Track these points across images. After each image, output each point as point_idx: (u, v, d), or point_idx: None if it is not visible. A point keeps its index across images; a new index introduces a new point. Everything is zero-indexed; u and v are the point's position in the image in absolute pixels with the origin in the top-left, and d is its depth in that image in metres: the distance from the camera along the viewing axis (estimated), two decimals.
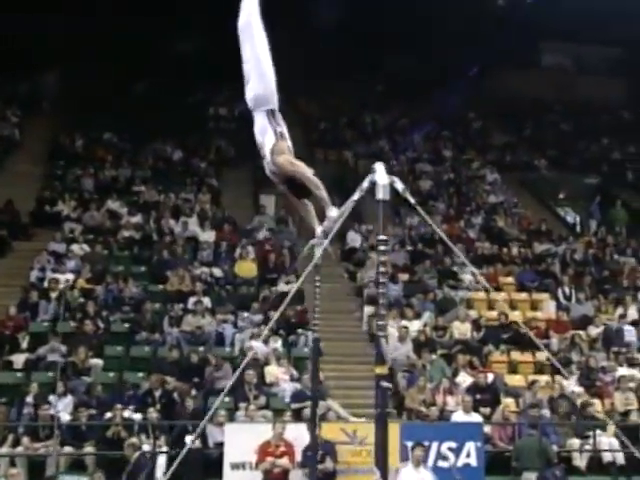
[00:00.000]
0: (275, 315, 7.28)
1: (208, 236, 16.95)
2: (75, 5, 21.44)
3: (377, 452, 4.58)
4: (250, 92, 5.59)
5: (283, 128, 5.53)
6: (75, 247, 15.87)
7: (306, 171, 5.17)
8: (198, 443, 11.14)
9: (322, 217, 5.31)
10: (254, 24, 5.50)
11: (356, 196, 4.91)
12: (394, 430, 11.26)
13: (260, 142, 5.52)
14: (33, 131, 20.77)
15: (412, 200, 4.75)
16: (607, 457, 11.55)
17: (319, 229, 5.50)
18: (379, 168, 4.70)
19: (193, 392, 12.14)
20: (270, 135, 5.41)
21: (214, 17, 21.67)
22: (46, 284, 14.59)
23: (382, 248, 4.72)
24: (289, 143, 5.46)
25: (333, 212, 5.09)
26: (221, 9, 20.90)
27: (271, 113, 5.54)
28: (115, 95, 21.73)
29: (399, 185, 4.70)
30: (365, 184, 4.74)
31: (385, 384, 4.61)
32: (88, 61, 21.78)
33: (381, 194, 4.64)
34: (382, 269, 4.71)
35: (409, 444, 10.89)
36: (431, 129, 22.44)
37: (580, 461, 11.47)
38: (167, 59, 22.81)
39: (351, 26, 21.99)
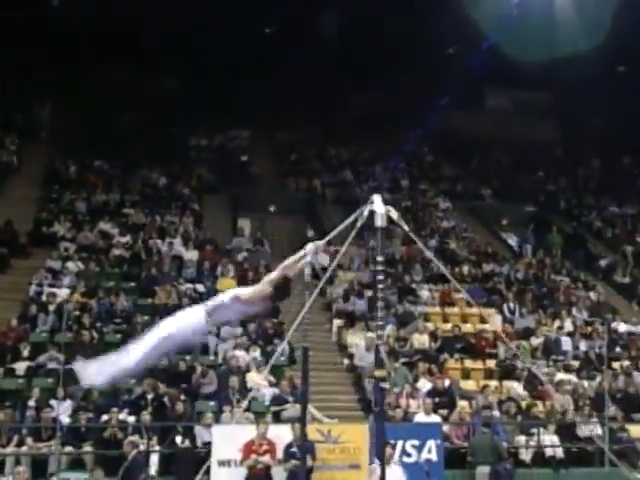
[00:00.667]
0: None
1: (192, 255, 16.92)
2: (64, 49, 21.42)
3: (376, 445, 4.78)
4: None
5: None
6: (70, 264, 15.69)
7: (276, 274, 5.16)
8: (187, 442, 11.27)
9: None
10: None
11: (358, 223, 5.08)
12: (364, 430, 11.47)
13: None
14: (30, 158, 20.60)
15: (406, 227, 4.95)
16: (549, 452, 11.85)
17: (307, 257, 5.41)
18: (377, 199, 4.91)
19: (182, 397, 12.10)
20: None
21: (191, 58, 22.06)
22: (44, 298, 14.43)
23: (380, 268, 4.89)
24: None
25: (309, 246, 5.26)
26: (196, 52, 21.40)
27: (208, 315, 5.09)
28: (105, 127, 21.62)
29: (394, 214, 4.90)
30: (365, 212, 4.93)
31: (384, 385, 4.81)
32: (80, 95, 21.74)
33: (379, 222, 4.85)
34: (380, 286, 4.89)
35: None
36: (397, 162, 22.74)
37: (526, 455, 11.80)
38: (151, 95, 22.81)
39: (318, 64, 22.18)
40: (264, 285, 5.12)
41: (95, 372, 5.03)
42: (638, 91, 23.84)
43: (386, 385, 4.73)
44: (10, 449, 10.59)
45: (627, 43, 20.99)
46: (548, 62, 22.47)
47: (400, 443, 11.01)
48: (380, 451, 4.58)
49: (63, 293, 14.67)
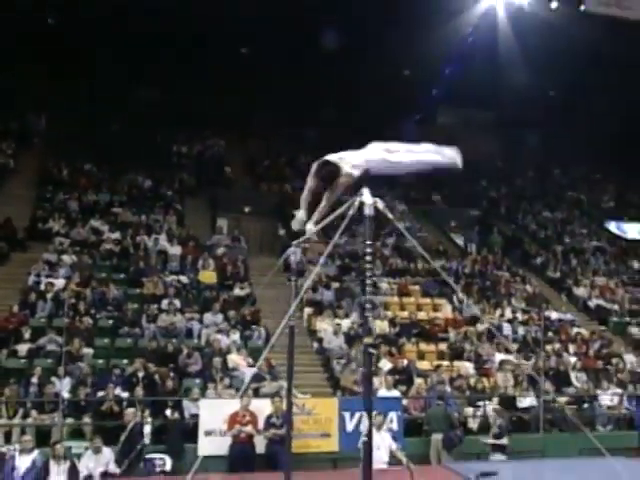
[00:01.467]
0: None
1: (175, 250, 16.98)
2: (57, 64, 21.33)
3: (366, 400, 4.96)
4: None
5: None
6: (65, 257, 15.65)
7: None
8: (177, 415, 11.38)
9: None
10: None
11: (350, 212, 5.25)
12: (333, 403, 11.73)
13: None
14: (26, 161, 20.38)
15: (390, 216, 5.13)
16: (492, 420, 11.87)
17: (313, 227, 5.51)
18: (365, 192, 5.08)
19: (171, 375, 12.21)
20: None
21: (173, 73, 22.10)
22: (42, 287, 14.40)
23: (368, 258, 5.04)
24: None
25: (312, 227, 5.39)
26: (177, 68, 21.46)
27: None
28: (94, 134, 21.53)
29: (380, 204, 5.08)
30: (356, 202, 5.09)
31: (372, 350, 5.01)
32: (71, 106, 21.62)
33: (367, 210, 5.02)
34: (369, 273, 5.03)
35: (346, 414, 11.42)
36: None
37: (473, 424, 12.10)
38: (136, 106, 22.78)
39: (289, 85, 22.42)
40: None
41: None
42: (565, 112, 24.73)
43: (373, 350, 4.92)
44: (16, 420, 10.59)
45: (555, 71, 21.69)
46: (490, 85, 23.10)
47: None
48: (367, 408, 4.75)
49: (59, 283, 14.63)
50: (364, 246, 5.14)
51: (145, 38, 20.41)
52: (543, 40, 19.76)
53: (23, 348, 12.50)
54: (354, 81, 22.77)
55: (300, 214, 5.65)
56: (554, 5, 19.00)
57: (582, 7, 19.15)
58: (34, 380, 11.43)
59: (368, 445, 4.86)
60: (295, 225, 5.71)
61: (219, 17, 19.60)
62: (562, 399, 12.98)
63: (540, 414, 12.10)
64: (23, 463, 9.32)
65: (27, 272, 14.97)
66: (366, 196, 5.04)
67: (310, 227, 5.56)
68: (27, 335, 12.89)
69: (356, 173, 5.43)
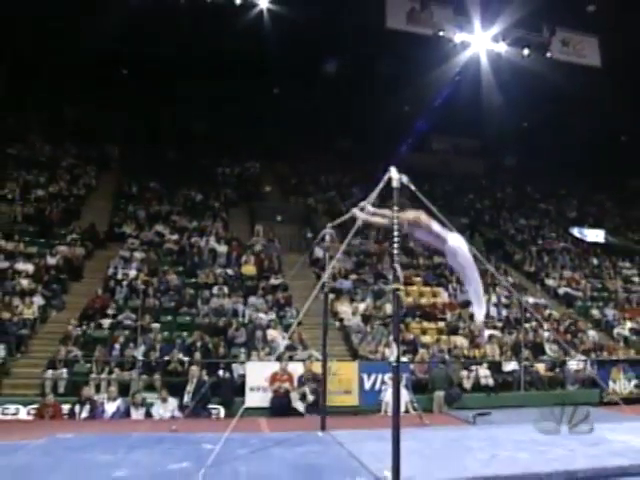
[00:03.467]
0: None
1: (223, 249, 17.12)
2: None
3: (394, 337, 5.10)
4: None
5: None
6: (136, 254, 15.92)
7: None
8: (228, 375, 11.58)
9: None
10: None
11: (380, 185, 5.36)
12: (354, 367, 11.87)
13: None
14: (105, 181, 20.76)
15: (413, 187, 5.25)
16: (483, 381, 12.29)
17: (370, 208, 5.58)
18: (393, 169, 5.24)
19: (222, 344, 12.52)
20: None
21: (215, 106, 22.45)
22: (119, 277, 14.70)
23: (395, 227, 5.15)
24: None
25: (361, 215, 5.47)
26: (221, 106, 21.84)
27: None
28: (157, 159, 21.97)
29: (404, 178, 5.24)
30: (385, 177, 5.23)
31: (399, 293, 5.17)
32: (139, 137, 22.18)
33: (395, 183, 5.19)
34: (396, 239, 5.13)
35: (364, 375, 11.55)
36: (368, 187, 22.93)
37: (467, 384, 12.14)
38: (189, 137, 23.24)
39: (313, 120, 22.72)
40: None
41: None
42: (536, 140, 24.81)
43: (401, 294, 5.05)
44: (104, 375, 10.88)
45: (528, 106, 21.81)
46: (476, 118, 23.24)
47: (380, 375, 11.45)
48: (395, 338, 4.92)
49: (132, 273, 14.92)
50: (387, 224, 5.28)
51: (197, 84, 20.79)
52: (518, 81, 19.90)
53: (106, 322, 12.80)
54: (364, 116, 22.95)
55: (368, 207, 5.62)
56: (526, 52, 19.14)
57: (548, 54, 19.31)
58: (116, 346, 11.74)
59: (397, 368, 5.04)
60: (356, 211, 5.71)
61: (258, 68, 19.90)
62: (539, 365, 13.02)
63: (521, 376, 12.18)
64: (110, 408, 9.61)
65: (107, 265, 15.28)
66: (393, 172, 5.23)
67: (355, 210, 5.61)
68: (108, 312, 13.18)
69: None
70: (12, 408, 9.70)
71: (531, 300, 16.24)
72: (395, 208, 4.99)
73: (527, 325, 14.48)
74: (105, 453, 5.31)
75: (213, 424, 9.33)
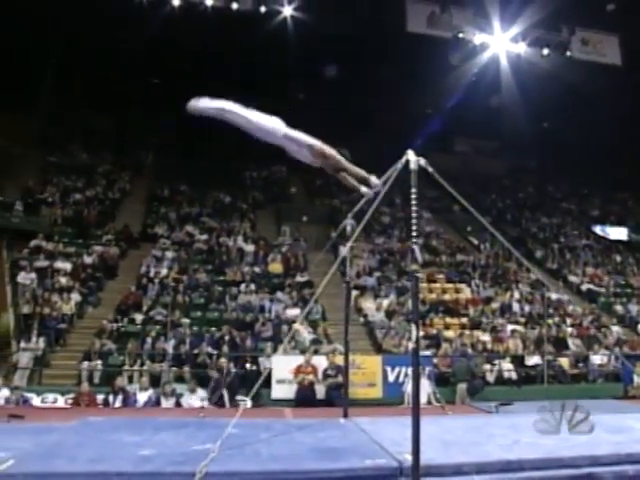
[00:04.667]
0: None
1: (250, 248, 17.13)
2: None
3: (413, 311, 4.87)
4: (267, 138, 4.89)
5: (300, 140, 4.91)
6: (167, 253, 16.04)
7: (337, 157, 4.82)
8: (254, 367, 11.51)
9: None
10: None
11: (398, 166, 5.12)
12: (378, 360, 11.68)
13: (295, 151, 4.96)
14: (138, 185, 21.01)
15: (430, 169, 5.00)
16: (506, 375, 11.98)
17: (364, 189, 5.03)
18: (410, 152, 5.01)
19: (249, 338, 12.47)
20: (297, 154, 4.94)
21: None
22: (152, 274, 14.79)
23: (414, 209, 4.92)
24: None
25: (374, 179, 4.91)
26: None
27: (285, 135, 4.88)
28: (188, 165, 22.10)
29: (422, 161, 4.99)
30: (403, 160, 4.98)
31: (417, 275, 4.95)
32: (171, 144, 22.39)
33: (412, 165, 4.96)
34: (415, 222, 4.92)
35: (388, 368, 11.36)
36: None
37: (490, 378, 11.86)
38: (218, 142, 23.30)
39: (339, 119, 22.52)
40: (328, 150, 4.76)
41: (206, 101, 4.69)
42: (557, 140, 24.29)
43: (419, 275, 4.82)
44: (136, 367, 10.95)
45: (548, 106, 21.36)
46: (497, 119, 22.89)
47: (404, 368, 11.23)
48: (415, 320, 4.70)
49: (164, 272, 15.01)
50: (411, 202, 5.06)
51: (227, 91, 20.76)
52: (538, 81, 19.52)
53: (139, 317, 12.89)
54: (386, 117, 22.75)
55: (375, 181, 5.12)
56: (545, 52, 18.71)
57: (568, 53, 18.83)
58: (148, 340, 11.80)
59: (416, 350, 4.84)
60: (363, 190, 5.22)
61: (283, 73, 19.88)
62: (562, 359, 12.63)
63: (544, 370, 11.82)
64: (142, 397, 9.62)
65: (140, 264, 15.41)
66: (410, 155, 5.00)
67: (365, 189, 5.21)
68: (142, 308, 13.27)
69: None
70: (51, 397, 9.81)
71: (554, 296, 15.79)
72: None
73: (550, 320, 14.10)
74: (132, 435, 5.27)
75: (249, 413, 9.24)
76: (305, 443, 5.00)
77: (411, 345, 4.80)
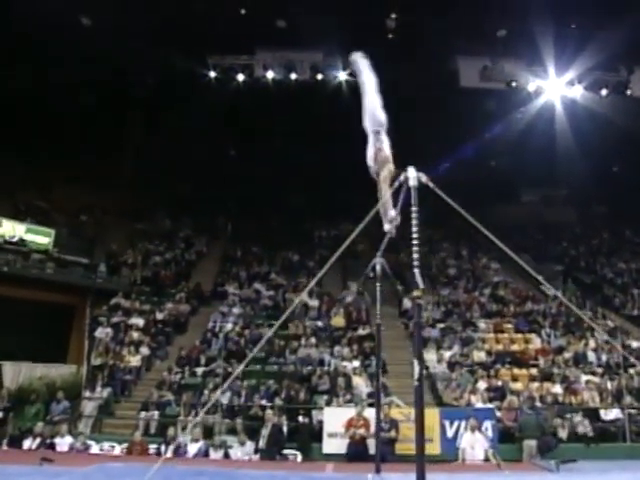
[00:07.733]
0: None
1: (314, 303, 16.72)
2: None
3: (416, 353, 4.25)
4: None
5: (382, 144, 4.98)
6: (234, 309, 15.96)
7: (386, 191, 4.74)
8: (307, 420, 10.77)
9: None
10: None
11: (396, 185, 4.63)
12: (435, 413, 10.51)
13: (371, 145, 5.04)
14: (213, 247, 21.52)
15: (431, 184, 4.47)
16: (580, 430, 10.36)
17: (387, 226, 4.89)
18: (410, 169, 4.51)
19: (304, 391, 11.78)
20: (370, 147, 5.00)
21: (311, 183, 22.72)
22: (217, 329, 14.76)
23: (415, 229, 4.41)
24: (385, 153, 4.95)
25: (392, 212, 4.75)
26: (315, 179, 22.10)
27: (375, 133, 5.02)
28: (260, 229, 22.53)
29: (423, 177, 4.46)
30: (402, 178, 4.50)
31: (419, 302, 4.31)
32: (245, 212, 23.01)
33: (412, 182, 4.45)
34: (415, 242, 4.38)
35: (446, 422, 10.19)
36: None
37: (562, 433, 10.28)
38: (288, 206, 23.69)
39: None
40: (385, 182, 4.77)
41: (363, 64, 5.23)
42: (628, 184, 22.31)
43: (421, 302, 4.23)
44: (190, 418, 10.60)
45: (616, 148, 19.79)
46: (563, 166, 21.51)
47: (464, 422, 10.02)
48: (417, 350, 4.06)
49: (229, 326, 14.90)
50: (412, 220, 4.49)
51: (295, 162, 21.32)
52: (600, 124, 18.17)
53: (199, 370, 12.72)
54: (452, 172, 22.08)
55: (391, 213, 4.85)
56: (604, 92, 17.40)
57: (628, 92, 17.40)
58: (205, 392, 11.47)
59: (419, 388, 4.14)
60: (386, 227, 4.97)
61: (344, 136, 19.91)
62: None
63: (626, 425, 10.07)
64: (192, 448, 9.22)
65: (208, 319, 15.40)
66: (410, 170, 4.51)
67: (387, 227, 4.93)
68: (203, 361, 13.12)
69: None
70: (107, 445, 9.61)
71: (635, 344, 13.86)
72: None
73: (632, 370, 12.29)
74: (136, 478, 4.86)
75: (284, 465, 8.51)
76: None
77: (415, 383, 4.13)
